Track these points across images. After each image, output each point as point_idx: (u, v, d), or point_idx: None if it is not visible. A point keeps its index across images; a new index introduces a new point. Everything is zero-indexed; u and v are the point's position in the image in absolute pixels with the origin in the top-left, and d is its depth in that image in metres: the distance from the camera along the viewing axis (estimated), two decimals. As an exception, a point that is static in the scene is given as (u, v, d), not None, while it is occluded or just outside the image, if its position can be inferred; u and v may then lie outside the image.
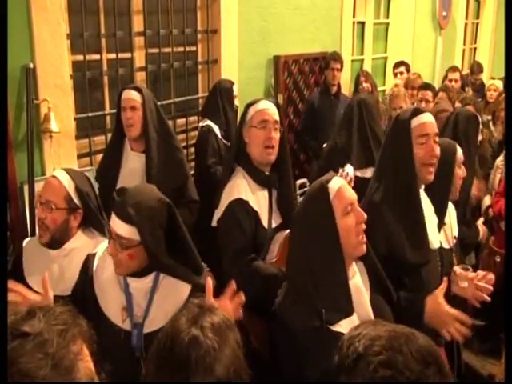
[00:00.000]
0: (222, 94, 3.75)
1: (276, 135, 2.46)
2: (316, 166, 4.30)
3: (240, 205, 2.38)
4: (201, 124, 3.81)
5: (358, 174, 3.42)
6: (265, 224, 2.43)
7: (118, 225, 1.78)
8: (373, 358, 1.02)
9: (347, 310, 1.74)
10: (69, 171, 2.22)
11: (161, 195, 1.91)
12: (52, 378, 0.77)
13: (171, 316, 1.35)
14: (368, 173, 3.26)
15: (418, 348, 1.05)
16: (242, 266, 2.32)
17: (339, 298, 1.74)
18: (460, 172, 2.56)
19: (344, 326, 1.68)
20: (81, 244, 2.15)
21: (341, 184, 1.80)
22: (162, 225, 1.83)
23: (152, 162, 2.80)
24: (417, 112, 2.24)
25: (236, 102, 3.87)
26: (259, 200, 2.44)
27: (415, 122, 2.21)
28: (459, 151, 2.56)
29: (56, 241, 2.12)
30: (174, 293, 1.85)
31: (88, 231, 2.21)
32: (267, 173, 2.50)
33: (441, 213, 2.38)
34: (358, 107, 3.52)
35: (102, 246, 2.03)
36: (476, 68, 7.17)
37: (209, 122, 3.69)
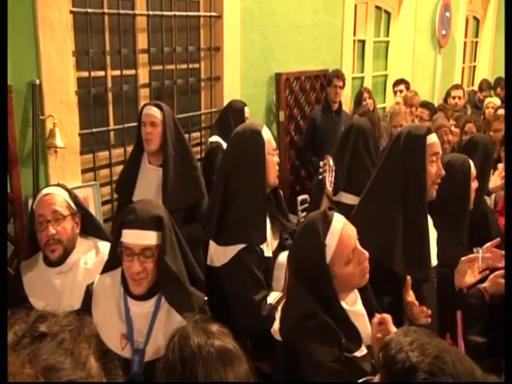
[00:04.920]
0: (233, 114, 3.82)
1: (277, 159, 2.47)
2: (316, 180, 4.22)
3: (249, 252, 2.29)
4: (210, 140, 3.86)
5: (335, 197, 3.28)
6: (270, 254, 2.38)
7: (142, 236, 1.77)
8: (423, 374, 1.07)
9: (358, 341, 1.75)
10: (53, 185, 2.35)
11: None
12: (74, 372, 0.82)
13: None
14: (342, 197, 3.19)
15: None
16: (260, 315, 2.24)
17: (349, 330, 1.74)
18: (473, 185, 2.60)
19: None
20: (82, 253, 2.19)
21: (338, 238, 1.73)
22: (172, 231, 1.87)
23: (168, 177, 2.84)
24: (429, 130, 2.25)
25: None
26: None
27: (429, 139, 2.20)
28: (472, 166, 2.60)
29: (67, 253, 2.14)
30: (174, 317, 1.80)
31: (85, 238, 2.25)
32: None
33: (459, 229, 2.41)
34: (355, 133, 3.38)
35: (98, 272, 1.99)
36: (485, 85, 7.33)
37: (218, 139, 3.74)
